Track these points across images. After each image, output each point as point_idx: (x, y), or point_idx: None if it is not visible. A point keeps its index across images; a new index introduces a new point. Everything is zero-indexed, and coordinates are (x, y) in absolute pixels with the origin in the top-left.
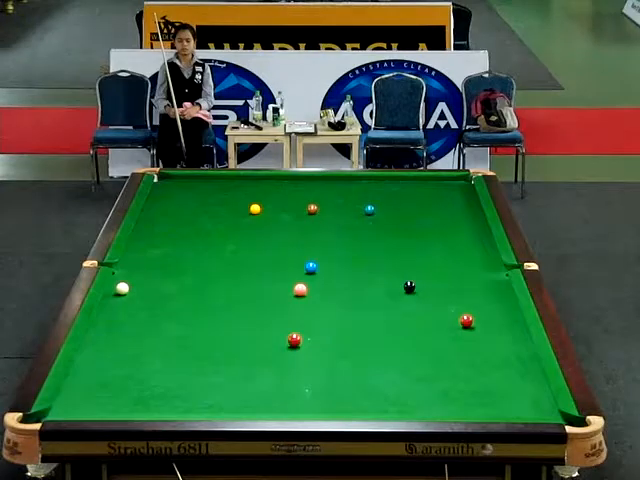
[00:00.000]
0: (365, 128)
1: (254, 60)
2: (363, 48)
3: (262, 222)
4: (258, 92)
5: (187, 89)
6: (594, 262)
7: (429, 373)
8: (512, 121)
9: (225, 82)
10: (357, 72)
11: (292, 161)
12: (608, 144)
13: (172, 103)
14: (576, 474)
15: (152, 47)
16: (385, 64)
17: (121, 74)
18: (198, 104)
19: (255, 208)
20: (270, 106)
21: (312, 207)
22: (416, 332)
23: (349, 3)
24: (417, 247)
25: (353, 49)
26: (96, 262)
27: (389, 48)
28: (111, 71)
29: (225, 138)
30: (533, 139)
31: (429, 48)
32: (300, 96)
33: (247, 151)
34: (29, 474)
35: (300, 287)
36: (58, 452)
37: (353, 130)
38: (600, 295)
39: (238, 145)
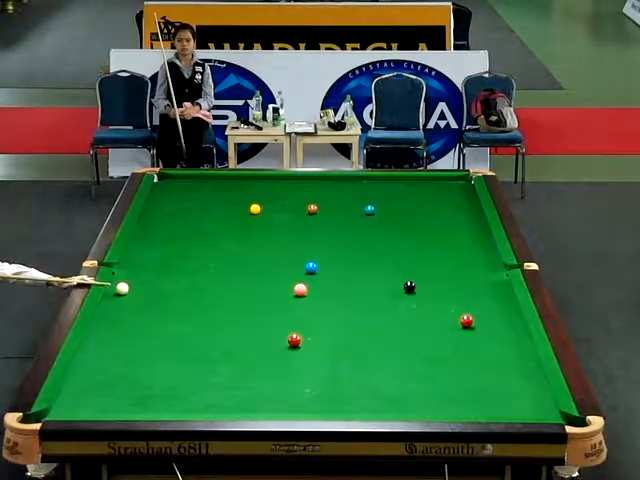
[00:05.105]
0: (365, 128)
1: (254, 60)
2: (363, 48)
3: (262, 222)
4: (258, 92)
5: (187, 89)
6: (594, 262)
7: (429, 373)
8: (512, 121)
9: (225, 82)
10: (357, 72)
11: (292, 161)
12: (608, 144)
13: (172, 103)
14: (576, 474)
15: (152, 47)
16: (385, 64)
17: (121, 74)
18: (198, 104)
19: (255, 208)
20: (270, 106)
21: (312, 207)
22: (416, 332)
23: (349, 3)
24: (417, 247)
25: (353, 49)
26: (96, 262)
27: (389, 48)
28: (111, 71)
29: (225, 138)
30: (533, 139)
31: (429, 48)
32: (300, 96)
33: (247, 151)
34: (29, 474)
35: (300, 287)
36: (58, 452)
37: (353, 130)
38: (600, 295)
39: (238, 145)
